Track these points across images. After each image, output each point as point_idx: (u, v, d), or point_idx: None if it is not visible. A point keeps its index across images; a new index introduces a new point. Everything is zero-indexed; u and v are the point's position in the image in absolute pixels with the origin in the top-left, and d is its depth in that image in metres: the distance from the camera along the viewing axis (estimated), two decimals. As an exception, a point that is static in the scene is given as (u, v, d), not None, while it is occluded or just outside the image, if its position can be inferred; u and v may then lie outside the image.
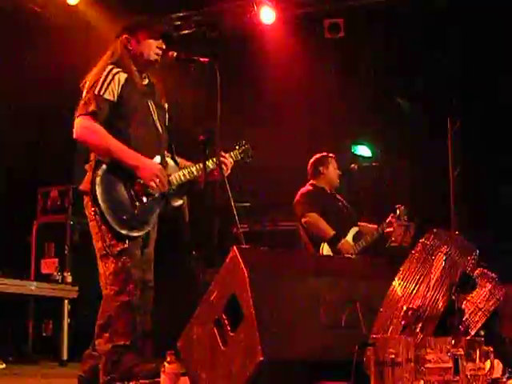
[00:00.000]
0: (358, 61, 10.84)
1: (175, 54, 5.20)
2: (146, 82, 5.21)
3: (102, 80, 4.85)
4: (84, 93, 4.91)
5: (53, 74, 10.15)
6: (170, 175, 5.07)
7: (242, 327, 3.70)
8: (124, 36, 5.17)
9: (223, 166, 5.17)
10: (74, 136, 4.87)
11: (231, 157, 5.38)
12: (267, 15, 11.36)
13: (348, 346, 3.78)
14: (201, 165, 5.11)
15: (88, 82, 4.92)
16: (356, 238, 7.86)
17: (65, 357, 8.48)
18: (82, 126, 4.82)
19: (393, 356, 2.72)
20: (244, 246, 4.02)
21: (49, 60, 10.14)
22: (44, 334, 9.07)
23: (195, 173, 5.16)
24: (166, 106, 5.39)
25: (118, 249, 4.78)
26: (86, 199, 4.90)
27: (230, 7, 11.61)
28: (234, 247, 3.84)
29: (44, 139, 10.72)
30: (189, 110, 5.58)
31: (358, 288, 4.19)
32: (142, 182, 4.86)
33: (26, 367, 7.82)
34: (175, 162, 5.24)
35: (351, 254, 7.66)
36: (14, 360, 8.06)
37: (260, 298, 3.67)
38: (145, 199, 4.90)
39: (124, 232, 4.82)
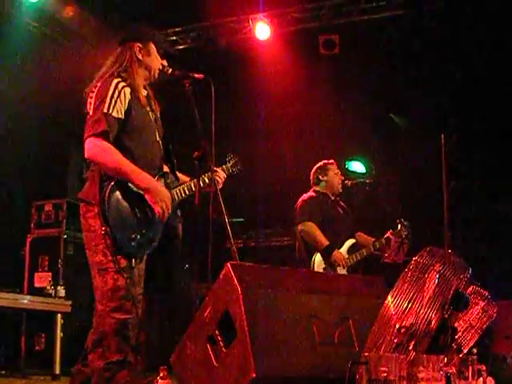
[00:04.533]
0: (352, 77, 10.86)
1: (170, 69, 5.19)
2: (145, 93, 5.11)
3: (109, 97, 4.74)
4: (91, 109, 4.80)
5: (51, 88, 10.19)
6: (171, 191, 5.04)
7: (235, 344, 3.69)
8: (137, 44, 5.05)
9: (217, 180, 5.15)
10: (86, 155, 4.74)
11: (224, 171, 5.38)
12: (263, 31, 11.42)
13: (341, 364, 3.79)
14: (194, 181, 5.06)
15: (94, 97, 4.81)
16: (351, 250, 7.87)
17: (57, 371, 8.46)
18: (94, 145, 4.70)
19: (385, 374, 2.73)
20: (237, 263, 4.02)
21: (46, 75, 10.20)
22: (37, 348, 9.05)
23: (194, 188, 5.11)
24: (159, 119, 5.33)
25: (121, 266, 4.68)
26: (86, 208, 4.79)
27: (225, 23, 11.66)
28: (228, 264, 3.85)
29: (38, 154, 10.72)
30: (183, 126, 5.56)
31: (351, 305, 4.20)
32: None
33: (18, 381, 7.80)
34: (176, 176, 5.21)
35: (343, 266, 7.69)
36: (6, 374, 8.04)
37: (253, 314, 3.67)
38: (152, 218, 4.83)
39: (131, 250, 4.76)
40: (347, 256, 7.79)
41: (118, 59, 5.02)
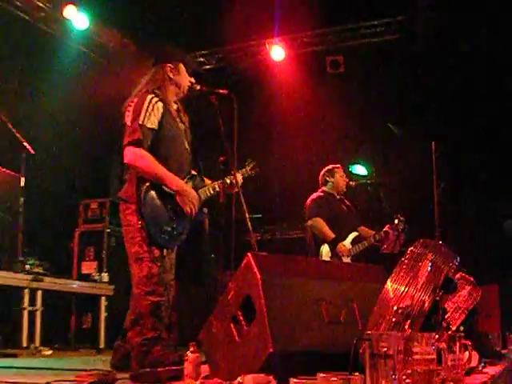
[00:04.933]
0: (355, 93, 10.85)
1: (198, 86, 5.22)
2: (175, 107, 5.16)
3: (144, 110, 4.80)
4: (128, 121, 4.85)
5: (96, 103, 10.25)
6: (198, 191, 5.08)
7: (255, 323, 3.69)
8: (168, 65, 5.10)
9: (235, 182, 5.16)
10: (125, 161, 4.82)
11: (241, 174, 5.40)
12: (278, 53, 11.45)
13: (346, 340, 3.78)
14: (219, 182, 5.19)
15: (131, 111, 4.86)
16: (354, 241, 7.90)
17: (102, 345, 8.49)
18: (132, 153, 4.77)
19: (385, 349, 2.70)
20: (257, 253, 4.01)
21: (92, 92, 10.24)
22: (84, 326, 9.09)
23: (217, 189, 5.18)
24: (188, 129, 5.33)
25: (155, 255, 4.75)
26: (125, 206, 4.86)
27: (245, 46, 11.68)
28: (249, 253, 3.84)
29: (85, 160, 10.77)
30: (209, 135, 5.58)
31: (355, 290, 4.18)
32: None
33: (68, 354, 7.82)
34: (202, 179, 5.24)
35: (347, 256, 7.72)
36: (59, 348, 8.07)
37: (271, 297, 3.66)
38: (181, 215, 4.89)
39: (163, 242, 4.82)
40: (351, 247, 7.82)
41: (152, 78, 5.08)
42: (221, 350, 3.97)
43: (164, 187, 4.84)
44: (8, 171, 8.63)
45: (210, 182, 5.30)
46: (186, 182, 5.02)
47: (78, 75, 10.52)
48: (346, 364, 3.17)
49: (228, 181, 5.20)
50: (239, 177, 5.32)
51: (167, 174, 4.82)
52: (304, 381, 2.19)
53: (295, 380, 2.19)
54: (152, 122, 4.82)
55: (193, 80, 5.22)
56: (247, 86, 10.75)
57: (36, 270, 7.95)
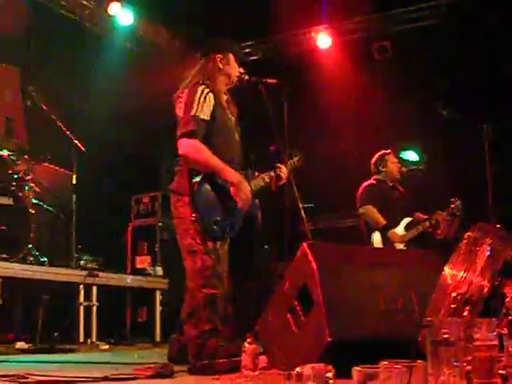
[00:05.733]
0: (403, 78, 10.75)
1: (247, 76, 5.20)
2: (225, 98, 5.12)
3: (196, 102, 4.76)
4: (181, 112, 4.83)
5: (143, 98, 10.32)
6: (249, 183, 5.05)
7: (312, 313, 3.69)
8: (218, 55, 5.08)
9: (281, 174, 5.19)
10: (180, 152, 4.78)
11: (286, 167, 5.28)
12: (324, 41, 11.40)
13: (403, 328, 3.76)
14: (270, 173, 5.19)
15: (183, 102, 4.84)
16: (408, 227, 7.82)
17: (158, 339, 8.55)
18: (187, 144, 4.73)
19: (446, 336, 2.67)
20: (312, 242, 4.00)
21: (139, 86, 10.31)
22: (139, 320, 9.16)
23: (267, 180, 5.17)
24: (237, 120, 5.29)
25: (208, 248, 4.73)
26: (176, 199, 4.85)
27: (291, 35, 11.67)
28: (304, 243, 3.84)
29: (136, 155, 10.86)
30: (260, 126, 5.56)
31: (411, 277, 4.16)
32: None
33: (124, 348, 7.89)
34: (252, 171, 5.22)
35: (400, 242, 7.67)
36: (115, 342, 8.14)
37: (327, 286, 3.66)
38: (234, 207, 4.86)
39: (216, 234, 4.79)
40: (404, 233, 7.75)
41: (202, 69, 5.05)
42: (278, 340, 3.98)
43: (217, 179, 4.81)
44: (61, 169, 8.73)
45: (257, 173, 5.28)
46: (237, 171, 4.97)
47: (125, 71, 10.59)
48: (404, 352, 3.15)
49: (276, 173, 5.20)
50: (284, 170, 5.27)
51: (222, 165, 4.78)
52: (367, 369, 2.17)
53: (358, 368, 2.17)
54: (205, 113, 4.79)
55: (242, 70, 5.19)
56: (294, 75, 10.70)
57: (90, 265, 8.04)
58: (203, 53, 5.16)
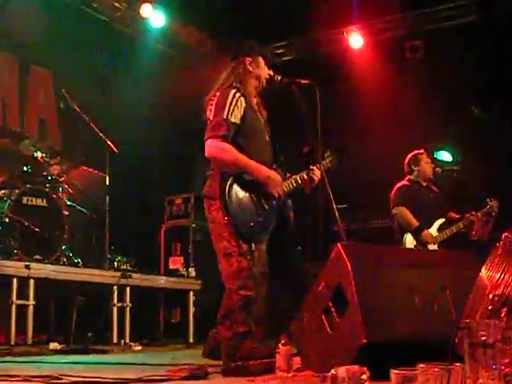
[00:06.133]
0: (436, 77, 10.68)
1: (279, 77, 5.21)
2: (255, 100, 5.15)
3: (228, 105, 4.78)
4: (212, 114, 4.84)
5: (177, 99, 10.33)
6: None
7: (347, 314, 3.66)
8: (248, 58, 5.10)
9: (313, 176, 5.15)
10: (206, 155, 4.79)
11: (318, 169, 5.22)
12: (356, 41, 11.39)
13: (440, 329, 3.71)
14: (302, 175, 5.16)
15: (214, 105, 4.85)
16: (441, 228, 7.78)
17: (191, 340, 8.55)
18: (214, 146, 4.75)
19: (484, 337, 2.63)
20: (347, 243, 3.98)
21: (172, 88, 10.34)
22: (173, 321, 9.18)
23: (300, 181, 5.15)
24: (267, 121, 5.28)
25: (243, 250, 4.73)
26: (209, 203, 4.87)
27: (323, 35, 11.65)
28: (338, 244, 3.81)
29: (169, 157, 10.89)
30: (293, 127, 5.54)
31: (448, 277, 4.11)
32: (266, 192, 4.86)
33: (158, 349, 7.91)
34: (284, 172, 5.18)
35: (433, 243, 7.63)
36: (148, 343, 8.17)
37: (362, 287, 3.64)
38: (266, 207, 4.87)
39: (250, 235, 4.79)
40: (437, 234, 7.70)
41: (233, 72, 5.08)
42: (312, 341, 3.96)
43: (247, 181, 4.81)
44: (94, 171, 8.78)
45: (289, 174, 5.25)
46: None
47: (157, 73, 10.63)
48: (440, 353, 3.11)
49: (305, 176, 5.18)
50: (317, 172, 5.22)
51: (250, 162, 4.80)
52: (405, 372, 2.14)
53: (396, 371, 2.14)
54: (235, 117, 4.80)
55: (271, 72, 5.19)
56: (326, 75, 10.68)
57: (124, 266, 8.07)
58: (233, 56, 5.19)
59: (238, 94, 4.87)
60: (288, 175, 5.19)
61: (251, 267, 4.76)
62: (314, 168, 5.20)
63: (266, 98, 5.29)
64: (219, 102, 4.83)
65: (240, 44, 5.30)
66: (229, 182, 4.75)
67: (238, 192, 4.78)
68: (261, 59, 5.15)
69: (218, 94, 4.92)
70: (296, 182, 5.16)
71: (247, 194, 4.82)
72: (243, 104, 4.87)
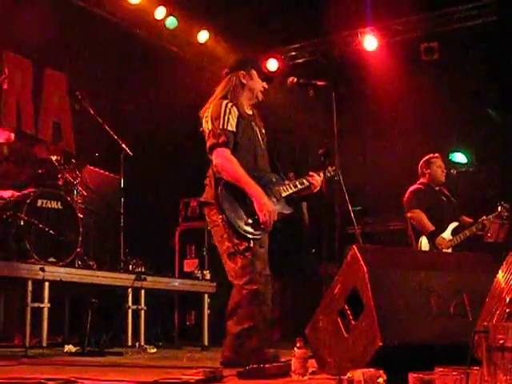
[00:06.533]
0: (451, 79, 10.64)
1: (295, 79, 5.31)
2: (249, 112, 5.36)
3: (222, 115, 5.04)
4: (208, 125, 5.11)
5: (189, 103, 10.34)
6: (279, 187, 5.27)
7: (363, 316, 3.65)
8: (241, 71, 5.30)
9: (313, 182, 5.35)
10: (215, 163, 5.05)
11: (319, 175, 5.43)
12: (370, 43, 11.35)
13: (456, 333, 3.70)
14: (302, 180, 5.36)
15: (209, 117, 5.11)
16: (455, 232, 7.74)
17: (206, 343, 8.53)
18: (222, 156, 5.02)
19: (502, 341, 2.61)
20: (362, 245, 3.97)
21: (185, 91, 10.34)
22: (188, 323, 9.18)
23: (299, 186, 5.33)
24: (264, 131, 5.48)
25: (243, 247, 4.95)
26: (208, 209, 5.14)
27: (337, 37, 11.63)
28: (354, 246, 3.80)
29: (182, 161, 10.88)
30: (308, 128, 5.55)
31: (464, 280, 4.09)
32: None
33: (173, 351, 7.89)
34: (281, 176, 5.41)
35: (447, 248, 7.60)
36: (163, 345, 8.15)
37: (378, 290, 3.63)
38: (262, 227, 5.05)
39: (248, 233, 4.98)
40: (451, 238, 7.67)
41: (226, 85, 5.33)
42: (328, 344, 3.95)
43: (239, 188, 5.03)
44: (109, 173, 8.79)
45: (287, 180, 5.46)
46: (264, 177, 5.20)
47: (171, 75, 10.64)
48: (456, 357, 3.08)
49: (305, 182, 5.36)
50: (318, 179, 5.41)
51: (249, 180, 5.02)
52: (423, 375, 2.12)
53: (414, 375, 2.12)
54: (231, 125, 5.07)
55: (265, 85, 5.39)
56: (341, 77, 10.67)
57: (138, 269, 8.07)
58: (228, 70, 5.41)
59: (229, 104, 5.13)
60: (287, 182, 5.38)
61: (254, 262, 4.98)
62: (314, 174, 5.39)
63: (284, 99, 5.35)
64: (213, 114, 5.11)
65: (235, 59, 5.68)
66: (222, 184, 5.01)
67: (231, 193, 5.01)
68: (254, 72, 5.36)
69: (211, 106, 5.19)
70: (295, 186, 5.34)
71: (240, 195, 5.02)
72: (236, 112, 5.12)
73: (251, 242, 4.99)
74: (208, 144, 5.09)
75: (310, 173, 5.37)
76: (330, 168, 5.52)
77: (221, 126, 5.01)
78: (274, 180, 5.29)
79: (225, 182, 5.00)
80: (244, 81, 5.29)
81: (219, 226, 5.03)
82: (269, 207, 5.01)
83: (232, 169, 4.99)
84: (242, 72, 5.30)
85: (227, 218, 4.95)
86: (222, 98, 5.21)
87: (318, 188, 5.40)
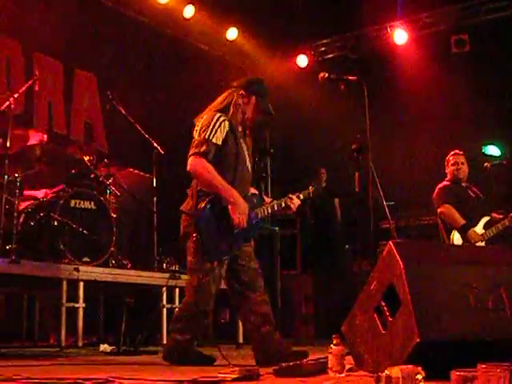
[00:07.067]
0: (483, 71, 10.56)
1: (326, 74, 5.29)
2: (240, 129, 5.41)
3: (211, 126, 5.11)
4: (196, 134, 5.19)
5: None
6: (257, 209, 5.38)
7: (400, 313, 3.62)
8: (241, 91, 5.35)
9: (290, 205, 5.47)
10: (188, 169, 5.15)
11: (298, 197, 5.53)
12: (400, 36, 11.32)
13: (495, 327, 3.65)
14: (280, 202, 5.47)
15: (200, 126, 5.19)
16: (487, 225, 7.69)
17: (240, 340, 8.53)
18: (195, 162, 5.10)
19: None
20: (398, 240, 3.93)
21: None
22: (222, 321, 9.18)
23: (275, 208, 5.43)
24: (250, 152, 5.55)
25: (205, 268, 5.08)
26: (184, 218, 5.27)
27: (367, 32, 11.59)
28: (390, 242, 3.77)
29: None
30: (339, 123, 5.53)
31: (502, 274, 4.03)
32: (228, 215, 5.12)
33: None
34: (261, 198, 5.55)
35: (480, 242, 7.56)
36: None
37: (415, 285, 3.59)
38: (235, 231, 5.13)
39: (214, 256, 5.11)
40: (483, 231, 7.61)
41: (225, 99, 5.40)
42: (365, 341, 3.92)
43: (221, 206, 5.09)
44: (142, 173, 8.81)
45: (269, 200, 5.62)
46: (245, 199, 5.24)
47: (201, 73, 10.64)
48: (495, 352, 3.04)
49: (283, 204, 5.46)
50: (296, 201, 5.51)
51: (224, 185, 5.09)
52: (466, 372, 2.09)
53: (457, 372, 2.09)
54: (217, 138, 5.12)
55: (260, 118, 5.46)
56: (372, 71, 10.64)
57: (173, 267, 8.08)
58: (233, 85, 5.47)
59: (222, 118, 5.20)
60: (268, 201, 5.53)
61: (210, 285, 5.13)
62: (293, 197, 5.49)
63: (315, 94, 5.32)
64: (203, 124, 5.18)
65: (243, 78, 5.56)
66: (204, 203, 5.07)
67: (211, 214, 5.09)
68: (253, 100, 5.39)
69: (204, 116, 5.26)
70: (272, 208, 5.44)
71: (218, 217, 5.10)
72: (226, 127, 5.18)
73: (215, 263, 5.12)
74: (190, 152, 5.16)
75: (290, 195, 5.48)
76: (310, 188, 5.64)
77: (206, 137, 5.09)
78: (255, 201, 5.40)
79: (208, 200, 5.08)
80: (240, 101, 5.35)
81: (189, 238, 5.15)
82: (243, 210, 5.13)
83: (206, 174, 5.07)
84: (242, 92, 5.36)
85: (200, 237, 5.05)
86: (218, 110, 5.29)
87: (295, 210, 5.51)
